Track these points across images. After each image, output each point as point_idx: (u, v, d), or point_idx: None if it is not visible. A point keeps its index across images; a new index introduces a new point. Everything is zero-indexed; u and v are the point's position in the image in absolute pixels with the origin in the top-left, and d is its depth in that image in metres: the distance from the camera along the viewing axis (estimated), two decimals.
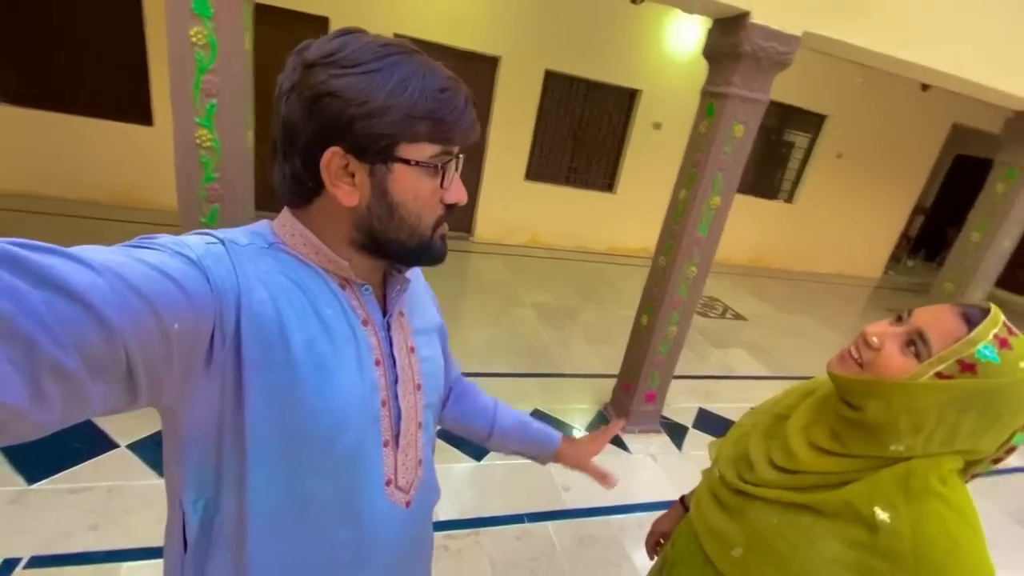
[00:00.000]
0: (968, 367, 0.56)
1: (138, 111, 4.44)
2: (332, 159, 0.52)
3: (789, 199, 7.03)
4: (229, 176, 1.70)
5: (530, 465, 2.36)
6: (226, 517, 0.57)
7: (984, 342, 0.56)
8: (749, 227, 6.86)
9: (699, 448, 2.78)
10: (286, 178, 0.55)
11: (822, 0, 2.01)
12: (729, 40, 2.04)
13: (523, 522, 2.04)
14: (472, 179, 5.59)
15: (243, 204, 1.77)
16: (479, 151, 5.46)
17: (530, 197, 5.76)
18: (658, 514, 2.25)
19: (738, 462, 0.79)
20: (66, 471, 1.88)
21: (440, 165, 0.55)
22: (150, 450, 2.03)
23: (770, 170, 6.89)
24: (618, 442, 2.68)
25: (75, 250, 0.37)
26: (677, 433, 2.86)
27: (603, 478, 0.95)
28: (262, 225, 0.59)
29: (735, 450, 0.82)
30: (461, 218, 5.73)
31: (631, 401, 2.70)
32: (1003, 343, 0.56)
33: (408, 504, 0.68)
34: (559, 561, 1.90)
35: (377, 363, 0.61)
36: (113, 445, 2.04)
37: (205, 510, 0.57)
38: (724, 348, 4.18)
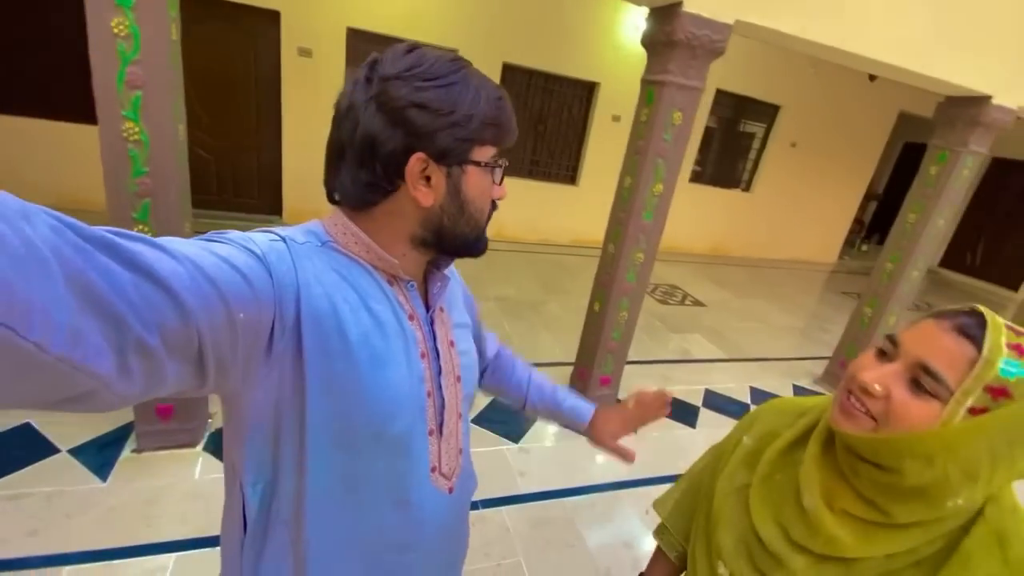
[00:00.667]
0: (1000, 392, 0.47)
1: (82, 110, 4.28)
2: (416, 165, 0.56)
3: (747, 188, 7.22)
4: (160, 170, 1.67)
5: (486, 452, 2.41)
6: (284, 499, 0.60)
7: (1002, 358, 0.48)
8: (709, 217, 7.03)
9: (655, 430, 2.84)
10: (358, 184, 0.58)
11: None
12: (664, 29, 2.09)
13: (478, 508, 2.07)
14: None
15: (176, 199, 1.74)
16: None
17: None
18: (609, 495, 2.32)
19: (751, 552, 0.64)
20: (4, 478, 1.83)
21: (501, 165, 0.63)
22: (92, 454, 1.98)
23: (730, 161, 7.07)
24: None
25: (160, 240, 0.41)
26: None
27: (623, 455, 0.97)
28: (315, 224, 0.62)
29: (733, 532, 0.67)
30: None
31: (586, 387, 2.75)
32: (1021, 350, 0.48)
33: (451, 490, 0.72)
34: (512, 545, 1.93)
35: (423, 356, 0.66)
36: (54, 450, 1.98)
37: (264, 492, 0.61)
38: (682, 333, 4.28)
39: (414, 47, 0.57)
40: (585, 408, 0.98)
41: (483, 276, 4.67)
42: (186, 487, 1.91)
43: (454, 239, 0.62)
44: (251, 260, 0.49)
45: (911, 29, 2.45)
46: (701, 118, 6.33)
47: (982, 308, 0.53)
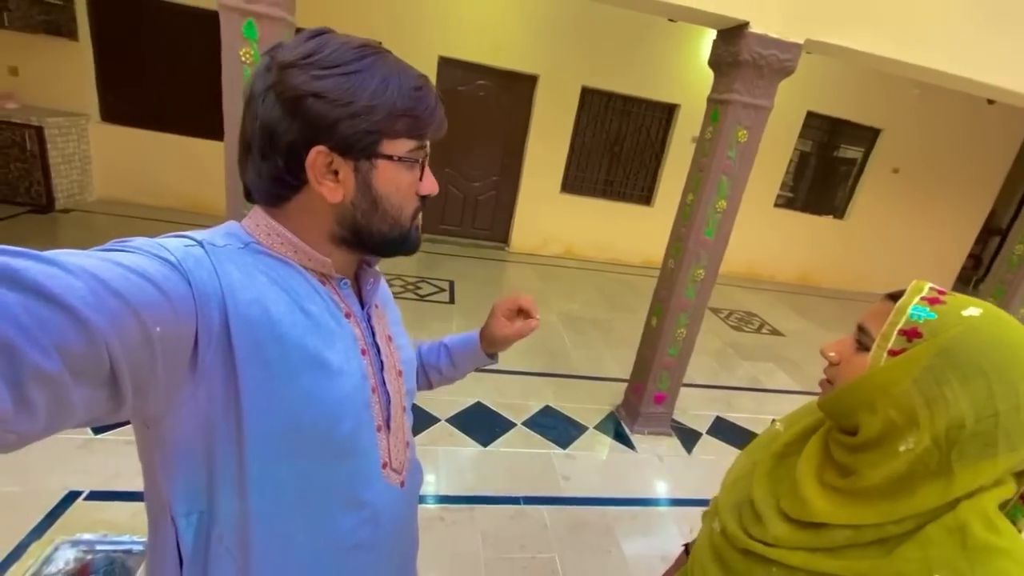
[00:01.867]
0: (912, 333, 0.55)
1: (210, 128, 5.02)
2: (317, 158, 0.52)
3: (840, 216, 6.76)
4: None
5: (534, 454, 2.48)
6: (225, 525, 0.56)
7: (912, 305, 0.56)
8: (797, 244, 6.66)
9: (710, 454, 2.77)
10: (263, 177, 0.55)
11: (824, 8, 2.06)
12: (730, 49, 2.13)
13: (519, 504, 2.15)
14: (509, 192, 5.82)
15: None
16: (517, 165, 5.68)
17: (565, 209, 5.90)
18: (652, 510, 2.31)
19: (741, 510, 0.69)
20: (127, 426, 2.19)
21: (420, 160, 0.59)
22: None
23: (824, 186, 6.68)
24: (625, 441, 2.73)
25: (49, 254, 0.36)
26: (689, 437, 2.87)
27: (522, 329, 0.84)
28: (232, 225, 0.58)
29: (735, 495, 0.72)
30: (498, 229, 5.96)
31: (640, 402, 2.75)
32: (933, 301, 0.55)
33: (403, 484, 0.72)
34: (548, 541, 1.99)
35: (363, 352, 0.64)
36: None
37: (199, 522, 0.56)
38: (753, 361, 4.10)
39: (319, 32, 0.54)
40: (468, 337, 0.91)
41: (550, 290, 4.78)
42: None
43: (371, 237, 0.60)
44: (164, 268, 0.45)
45: (1011, 46, 2.27)
46: (789, 141, 6.07)
47: (916, 280, 0.60)
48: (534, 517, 2.10)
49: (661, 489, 2.43)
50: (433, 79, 5.04)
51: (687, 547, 0.99)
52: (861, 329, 0.61)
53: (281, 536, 0.59)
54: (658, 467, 2.59)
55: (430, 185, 0.62)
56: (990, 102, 5.82)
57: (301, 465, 0.58)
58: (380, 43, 0.56)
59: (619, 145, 5.89)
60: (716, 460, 2.73)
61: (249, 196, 0.59)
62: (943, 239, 7.05)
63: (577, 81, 5.39)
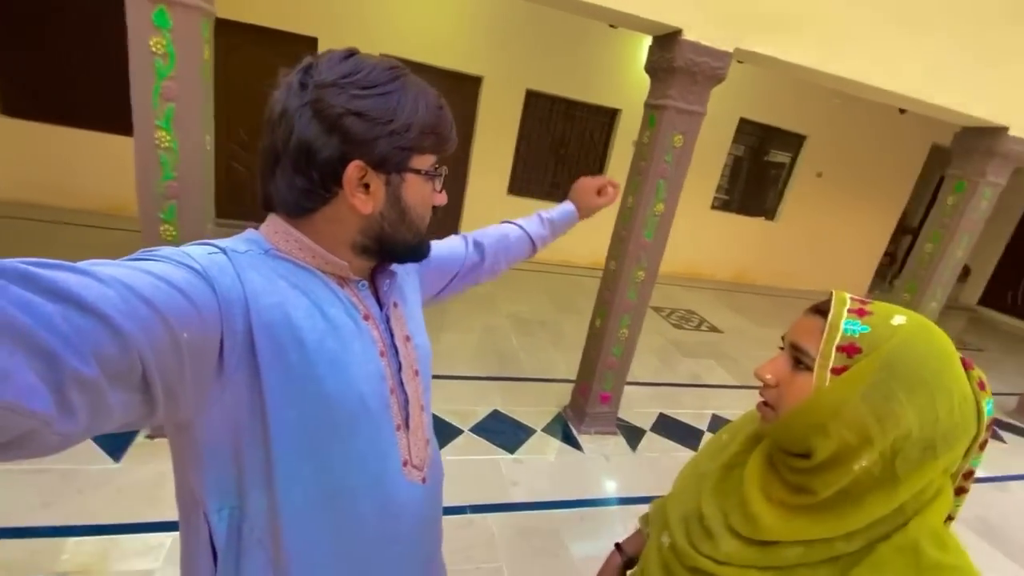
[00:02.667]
0: (850, 349, 0.54)
1: (119, 122, 4.66)
2: (354, 172, 0.55)
3: (772, 217, 7.15)
4: (187, 176, 1.83)
5: (480, 460, 2.45)
6: (256, 518, 0.59)
7: (844, 320, 0.55)
8: (733, 245, 6.98)
9: (654, 451, 2.83)
10: (294, 190, 0.57)
11: (754, 18, 2.15)
12: (665, 55, 2.18)
13: (466, 513, 2.11)
14: (456, 193, 5.75)
15: (200, 202, 1.89)
16: (463, 166, 5.62)
17: (513, 211, 5.84)
18: (600, 511, 2.32)
19: (688, 525, 0.68)
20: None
21: (441, 173, 0.64)
22: (109, 437, 2.12)
23: (756, 190, 7.03)
24: (572, 442, 2.74)
25: (81, 264, 0.39)
26: (633, 436, 2.92)
27: (610, 198, 1.21)
28: (253, 233, 0.61)
29: (683, 507, 0.71)
30: (446, 230, 5.86)
31: (586, 402, 2.77)
32: (861, 312, 0.56)
33: (424, 481, 0.73)
34: (496, 550, 1.95)
35: (382, 354, 0.65)
36: None
37: (231, 516, 0.58)
38: (695, 358, 4.24)
39: (351, 53, 0.57)
40: (568, 210, 1.18)
41: (499, 293, 4.75)
42: None
43: (395, 245, 0.63)
44: (190, 275, 0.47)
45: (919, 58, 2.46)
46: (723, 146, 6.35)
47: (834, 291, 0.60)
48: (481, 526, 2.06)
49: (608, 489, 2.46)
50: None
51: (619, 546, 0.99)
52: (796, 347, 0.59)
53: (308, 530, 0.61)
54: (605, 467, 2.61)
55: (443, 197, 0.67)
56: (902, 111, 6.34)
57: (325, 465, 0.60)
58: (402, 64, 0.59)
59: (564, 148, 5.96)
60: (660, 457, 2.79)
61: (267, 205, 0.61)
62: (862, 238, 7.60)
63: (522, 84, 5.41)
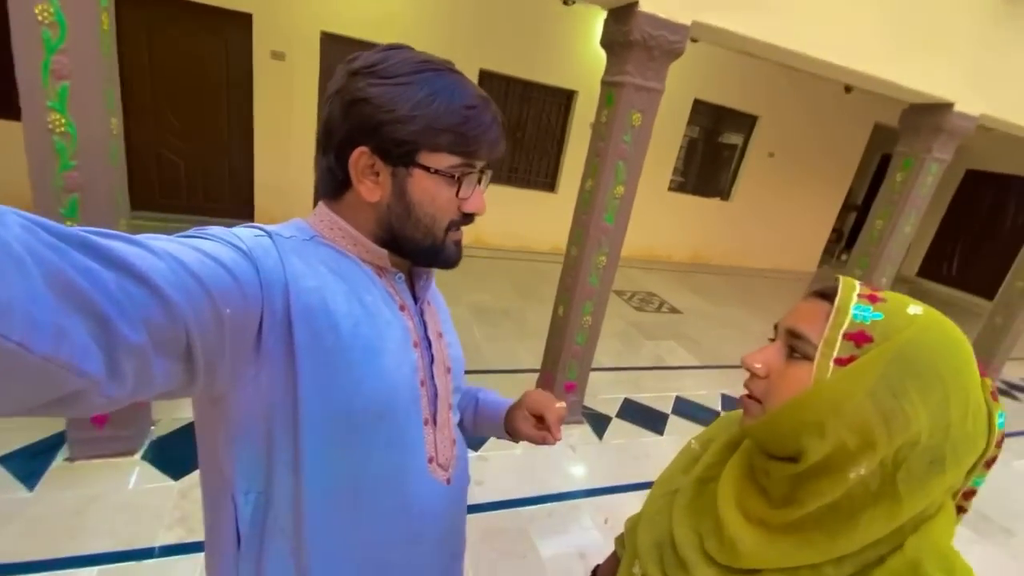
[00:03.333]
0: (860, 337, 0.47)
1: (9, 105, 4.20)
2: (360, 157, 0.57)
3: (726, 198, 7.26)
4: (89, 164, 1.60)
5: None
6: (281, 506, 0.59)
7: (854, 304, 0.49)
8: (689, 226, 7.06)
9: (620, 437, 2.80)
10: (321, 170, 0.61)
11: None
12: (621, 29, 2.07)
13: None
14: None
15: (108, 194, 1.67)
16: None
17: None
18: (568, 504, 2.26)
19: (662, 552, 0.61)
20: None
21: (458, 175, 0.59)
22: (21, 462, 1.89)
23: (711, 171, 7.11)
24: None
25: (138, 237, 0.40)
26: (599, 423, 2.87)
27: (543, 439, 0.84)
28: (299, 221, 0.63)
29: (654, 532, 0.63)
30: None
31: (552, 392, 2.69)
32: (873, 299, 0.49)
33: (448, 481, 0.71)
34: None
35: (415, 345, 0.66)
36: None
37: (257, 502, 0.59)
38: (656, 340, 4.25)
39: (394, 47, 0.58)
40: (502, 406, 0.88)
41: (459, 282, 4.61)
42: (118, 498, 1.82)
43: (405, 242, 0.62)
44: (236, 255, 0.48)
45: (871, 34, 2.46)
46: (679, 127, 6.37)
47: (840, 276, 0.53)
48: None
49: (575, 481, 2.40)
50: (315, 56, 4.68)
51: (596, 571, 0.91)
52: (794, 334, 0.51)
53: (331, 521, 0.61)
54: (571, 458, 2.55)
55: (475, 204, 0.63)
56: (848, 90, 6.52)
57: (351, 453, 0.60)
58: (450, 62, 0.60)
59: (521, 131, 5.82)
60: (626, 443, 2.76)
61: (317, 190, 0.64)
62: (811, 215, 7.85)
63: (474, 64, 5.22)
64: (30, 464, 1.88)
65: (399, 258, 0.65)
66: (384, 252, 0.63)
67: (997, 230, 7.90)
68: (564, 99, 5.84)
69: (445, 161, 0.58)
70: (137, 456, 2.01)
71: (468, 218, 0.64)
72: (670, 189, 6.76)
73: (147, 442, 2.07)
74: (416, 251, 0.63)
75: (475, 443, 2.49)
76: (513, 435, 0.85)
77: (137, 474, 1.93)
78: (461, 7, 4.97)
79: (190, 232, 0.50)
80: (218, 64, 4.52)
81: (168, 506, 1.81)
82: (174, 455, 2.03)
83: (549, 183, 6.17)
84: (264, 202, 5.00)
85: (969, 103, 2.85)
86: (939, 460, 0.45)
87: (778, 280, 7.37)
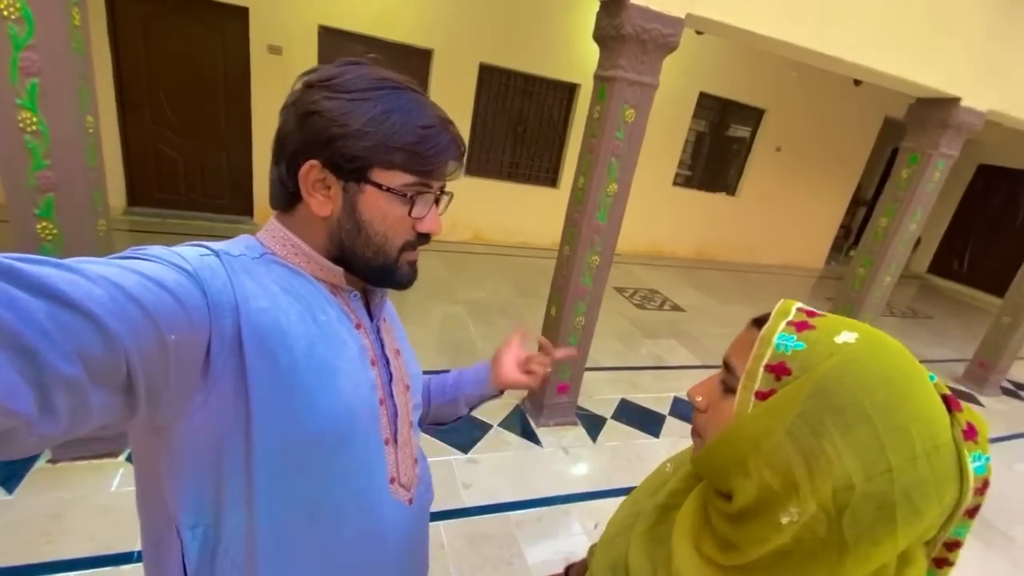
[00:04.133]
0: (779, 369, 0.44)
1: None
2: (310, 171, 0.55)
3: (733, 193, 7.15)
4: (64, 164, 1.56)
5: (432, 462, 2.29)
6: (232, 539, 0.56)
7: (779, 333, 0.45)
8: (694, 221, 6.96)
9: (614, 440, 2.75)
10: (273, 182, 0.60)
11: None
12: (613, 22, 2.01)
13: None
14: None
15: (85, 194, 1.64)
16: None
17: (471, 192, 5.65)
18: (558, 509, 2.22)
19: None
20: None
21: (411, 195, 0.58)
22: (3, 465, 1.87)
23: (717, 165, 7.00)
24: (531, 436, 2.62)
25: (69, 261, 0.37)
26: (594, 425, 2.83)
27: (527, 383, 0.89)
28: (248, 238, 0.60)
29: (612, 553, 0.61)
30: None
31: (543, 394, 2.65)
32: (801, 326, 0.45)
33: (411, 502, 0.70)
34: (444, 562, 1.82)
35: (373, 363, 0.64)
36: None
37: (205, 536, 0.56)
38: (656, 339, 4.18)
39: (355, 62, 0.58)
40: (481, 371, 0.92)
41: (456, 280, 4.57)
42: (99, 500, 1.80)
43: (356, 260, 0.61)
44: (180, 277, 0.46)
45: (875, 27, 2.37)
46: (684, 121, 6.26)
47: (784, 300, 0.49)
48: (431, 536, 1.92)
49: (566, 485, 2.36)
50: (314, 51, 4.64)
51: (568, 570, 0.87)
52: (727, 366, 0.49)
53: (288, 552, 0.58)
54: (563, 460, 2.51)
55: (429, 225, 0.62)
56: (856, 83, 6.38)
57: (309, 479, 0.58)
58: (412, 81, 0.59)
59: (522, 126, 5.75)
60: (619, 446, 2.71)
61: (270, 201, 0.62)
62: (819, 211, 7.71)
63: (475, 58, 5.15)
64: (10, 467, 1.87)
65: (353, 276, 0.64)
66: (339, 270, 0.61)
67: (1009, 226, 7.73)
68: (566, 93, 5.76)
69: (399, 179, 0.57)
70: (121, 457, 1.99)
71: (423, 238, 0.63)
72: (675, 184, 6.66)
73: None
74: (367, 269, 0.62)
75: (465, 445, 2.46)
76: (506, 386, 0.88)
77: (120, 476, 1.92)
78: (458, 2, 4.89)
79: (128, 253, 0.47)
80: (214, 59, 4.49)
81: None
82: None
83: (551, 178, 6.10)
84: (264, 200, 4.98)
85: (977, 98, 2.76)
86: (887, 507, 0.39)
87: (785, 277, 7.26)
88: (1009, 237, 7.67)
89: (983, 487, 0.42)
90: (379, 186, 0.57)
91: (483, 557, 1.88)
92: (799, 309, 0.47)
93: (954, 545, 0.46)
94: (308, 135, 0.55)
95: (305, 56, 4.61)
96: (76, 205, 1.63)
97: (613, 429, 2.84)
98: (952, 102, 2.75)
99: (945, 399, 0.42)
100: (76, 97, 1.56)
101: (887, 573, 0.42)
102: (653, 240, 6.78)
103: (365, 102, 0.54)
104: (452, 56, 5.05)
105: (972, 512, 0.43)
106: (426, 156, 0.57)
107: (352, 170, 0.56)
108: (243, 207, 5.01)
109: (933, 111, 2.84)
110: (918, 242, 8.25)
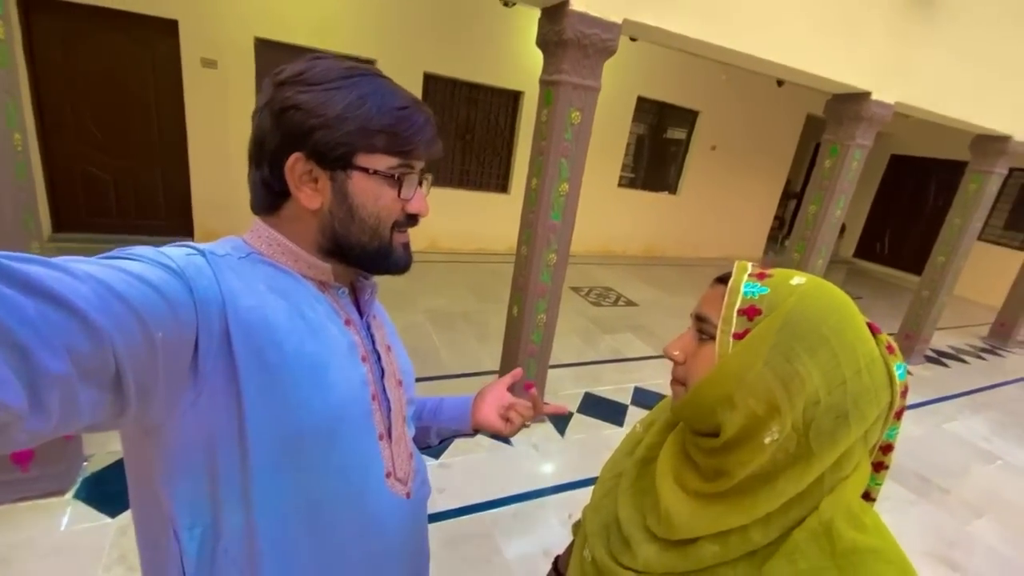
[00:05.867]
0: (751, 311, 0.52)
1: None
2: (296, 164, 0.56)
3: (674, 191, 7.47)
4: None
5: None
6: (231, 538, 0.56)
7: (744, 282, 0.54)
8: (641, 220, 7.22)
9: (581, 432, 2.82)
10: (256, 184, 0.60)
11: None
12: (554, 28, 2.09)
13: None
14: None
15: (14, 216, 1.54)
16: None
17: None
18: (532, 504, 2.25)
19: (608, 534, 0.62)
20: None
21: (398, 176, 0.59)
22: None
23: (659, 166, 7.30)
24: (500, 436, 2.65)
25: (55, 260, 0.37)
26: (561, 420, 2.89)
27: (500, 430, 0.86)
28: (233, 239, 0.60)
29: (601, 515, 0.66)
30: None
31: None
32: (761, 275, 0.54)
33: (408, 495, 0.71)
34: None
35: (363, 359, 0.64)
36: None
37: (203, 537, 0.55)
38: (614, 334, 4.32)
39: (319, 57, 0.59)
40: (462, 406, 0.90)
41: (414, 289, 4.55)
42: (48, 542, 1.69)
43: (352, 248, 0.61)
44: (166, 275, 0.46)
45: (794, 29, 2.58)
46: (625, 124, 6.51)
47: (737, 262, 0.58)
48: None
49: (539, 480, 2.40)
50: (251, 64, 4.52)
51: (556, 562, 0.92)
52: (700, 318, 0.56)
53: (288, 548, 0.58)
54: (534, 457, 2.55)
55: (417, 205, 0.63)
56: (779, 83, 6.83)
57: (306, 475, 0.58)
58: (375, 65, 0.62)
59: (470, 134, 5.80)
60: (587, 437, 2.78)
61: (253, 206, 0.62)
62: (754, 205, 8.18)
63: (419, 67, 5.17)
64: None
65: (343, 270, 0.65)
66: (327, 267, 0.61)
67: (921, 210, 8.47)
68: (511, 100, 5.87)
69: (383, 162, 0.58)
70: (69, 495, 1.87)
71: (412, 219, 0.64)
72: (620, 185, 6.89)
73: (79, 479, 1.93)
74: (364, 255, 0.62)
75: (436, 451, 2.45)
76: (480, 427, 0.87)
77: (69, 514, 1.80)
78: (402, 10, 4.91)
79: (113, 253, 0.47)
80: (144, 74, 4.28)
81: (105, 545, 1.69)
82: (110, 491, 1.90)
83: (501, 184, 6.18)
84: (204, 218, 4.77)
85: (885, 91, 3.04)
86: (843, 415, 0.48)
87: (727, 268, 7.58)
88: (922, 220, 8.40)
89: (904, 391, 0.52)
90: (366, 170, 0.58)
91: (462, 558, 1.89)
92: (753, 265, 0.56)
93: (888, 448, 0.56)
94: (287, 131, 0.55)
95: (242, 69, 4.48)
96: (7, 226, 1.53)
97: (579, 423, 2.91)
98: (864, 96, 3.02)
99: (868, 325, 0.52)
100: (3, 113, 1.47)
101: (841, 475, 0.50)
102: (604, 240, 6.98)
103: (339, 91, 0.55)
104: (395, 65, 5.04)
105: (899, 414, 0.53)
106: (406, 136, 0.58)
107: (337, 158, 0.56)
108: (182, 226, 4.78)
109: (848, 105, 3.11)
110: (843, 229, 8.91)
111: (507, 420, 0.86)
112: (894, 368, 0.50)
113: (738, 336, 0.52)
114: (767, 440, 0.49)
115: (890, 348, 0.52)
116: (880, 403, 0.49)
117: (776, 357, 0.49)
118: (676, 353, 0.58)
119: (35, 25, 3.88)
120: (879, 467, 0.57)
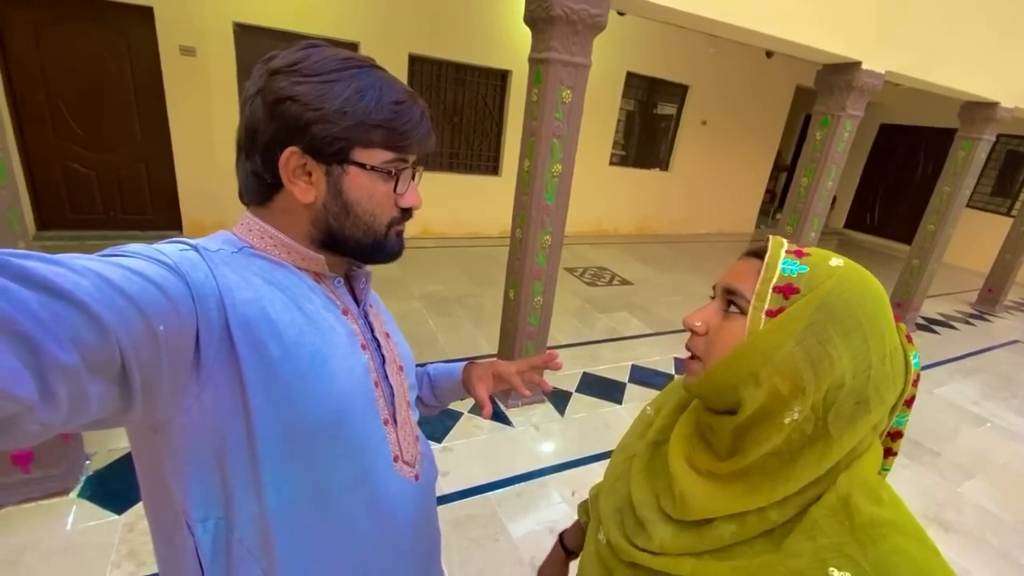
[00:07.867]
0: (788, 289, 0.50)
1: None
2: (290, 158, 0.55)
3: (666, 168, 7.44)
4: None
5: None
6: (246, 527, 0.56)
7: (782, 260, 0.52)
8: (633, 198, 7.20)
9: (581, 411, 2.85)
10: (247, 175, 0.59)
11: None
12: (543, 4, 2.05)
13: None
14: None
15: None
16: None
17: None
18: (535, 483, 2.28)
19: (622, 517, 0.62)
20: None
21: (394, 171, 0.59)
22: None
23: (649, 142, 7.25)
24: (502, 418, 2.68)
25: (55, 256, 0.37)
26: (560, 400, 2.91)
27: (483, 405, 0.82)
28: (224, 233, 0.60)
29: (615, 498, 0.65)
30: None
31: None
32: (799, 254, 0.53)
33: (417, 478, 0.71)
34: None
35: (363, 347, 0.65)
36: None
37: (217, 529, 0.56)
38: (609, 313, 4.33)
39: (313, 45, 0.57)
40: (451, 374, 0.91)
41: (408, 275, 4.53)
42: (55, 542, 1.69)
43: (345, 241, 0.61)
44: (163, 270, 0.46)
45: (784, 0, 2.54)
46: (615, 101, 6.44)
47: (771, 236, 0.56)
48: None
49: (541, 460, 2.43)
50: (231, 50, 4.41)
51: (561, 538, 0.94)
52: (730, 291, 0.54)
53: (302, 536, 0.59)
54: (535, 437, 2.58)
55: (411, 198, 0.63)
56: (768, 55, 6.78)
57: (314, 463, 0.58)
58: (372, 59, 0.59)
59: (458, 116, 5.72)
60: (587, 416, 2.81)
61: (242, 196, 0.62)
62: (745, 178, 8.17)
63: (403, 48, 5.06)
64: None
65: (336, 260, 0.65)
66: (321, 257, 0.61)
67: (910, 179, 8.50)
68: (499, 80, 5.78)
69: (379, 157, 0.58)
70: (73, 494, 1.87)
71: (407, 214, 0.64)
72: (611, 163, 6.85)
73: (83, 478, 1.93)
74: (357, 249, 0.62)
75: (439, 434, 2.48)
76: (470, 392, 0.87)
77: (75, 513, 1.80)
78: None
79: (108, 251, 0.46)
80: (120, 64, 4.17)
81: (113, 542, 1.70)
82: (115, 488, 1.90)
83: (492, 166, 6.12)
84: (192, 211, 4.70)
85: (875, 60, 3.02)
86: (864, 400, 0.48)
87: (720, 243, 7.66)
88: (912, 189, 8.44)
89: (916, 380, 0.52)
90: (363, 166, 0.57)
91: (469, 538, 1.92)
92: (788, 242, 0.55)
93: (897, 435, 0.56)
94: (282, 122, 0.55)
95: (222, 56, 4.37)
96: None
97: (579, 402, 2.94)
98: (854, 66, 3.00)
99: None
100: None
101: (855, 455, 0.50)
102: (597, 219, 6.96)
103: (336, 83, 0.55)
104: (380, 48, 4.94)
105: (909, 402, 0.53)
106: (403, 131, 0.58)
107: (333, 152, 0.56)
108: (170, 220, 4.71)
109: (839, 75, 3.09)
110: (834, 201, 8.94)
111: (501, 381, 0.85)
112: (911, 357, 0.51)
113: (771, 313, 0.50)
114: (787, 420, 0.49)
115: (908, 338, 0.52)
116: (897, 390, 0.50)
117: (809, 338, 0.48)
118: (698, 324, 0.56)
119: (4, 18, 3.75)
120: (888, 453, 0.57)
